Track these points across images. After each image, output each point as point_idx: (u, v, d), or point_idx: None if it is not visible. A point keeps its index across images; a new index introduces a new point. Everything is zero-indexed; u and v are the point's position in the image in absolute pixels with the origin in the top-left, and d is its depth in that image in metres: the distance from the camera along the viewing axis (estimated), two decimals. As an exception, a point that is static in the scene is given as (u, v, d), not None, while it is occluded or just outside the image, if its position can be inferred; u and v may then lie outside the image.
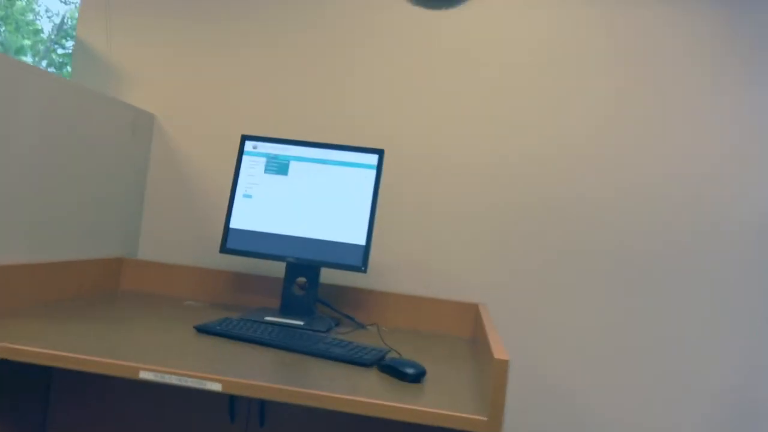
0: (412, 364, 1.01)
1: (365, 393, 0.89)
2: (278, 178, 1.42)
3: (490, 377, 0.85)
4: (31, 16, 9.52)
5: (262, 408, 1.42)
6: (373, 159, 1.40)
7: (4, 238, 1.17)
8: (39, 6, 9.63)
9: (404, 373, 0.99)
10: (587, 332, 1.51)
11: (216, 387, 0.88)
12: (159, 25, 1.67)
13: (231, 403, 1.42)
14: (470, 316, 1.49)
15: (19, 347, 0.92)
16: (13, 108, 1.15)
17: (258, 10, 1.63)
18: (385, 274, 1.57)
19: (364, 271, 1.35)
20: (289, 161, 1.43)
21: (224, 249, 1.40)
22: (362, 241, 1.36)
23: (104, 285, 1.51)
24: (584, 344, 1.51)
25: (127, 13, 1.67)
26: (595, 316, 1.51)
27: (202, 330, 1.16)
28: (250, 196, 1.42)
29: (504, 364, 0.84)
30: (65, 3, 9.54)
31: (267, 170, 1.43)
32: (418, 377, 0.99)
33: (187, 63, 1.65)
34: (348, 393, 0.88)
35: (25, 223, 1.22)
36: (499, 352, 0.88)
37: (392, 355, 1.16)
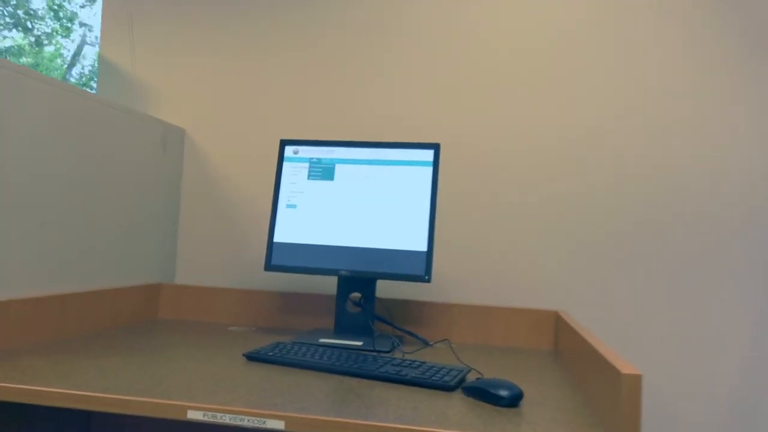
0: (505, 385, 0.84)
1: (458, 423, 0.72)
2: (324, 184, 1.28)
3: (619, 397, 0.68)
4: (59, 61, 9.80)
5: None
6: (428, 155, 1.25)
7: (32, 269, 1.05)
8: (68, 51, 9.91)
9: (498, 396, 0.82)
10: (682, 337, 1.31)
11: (278, 425, 0.73)
12: (181, 35, 1.57)
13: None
14: (549, 325, 1.31)
15: (54, 390, 0.78)
16: (38, 127, 1.04)
17: (284, 11, 1.52)
18: (447, 284, 1.40)
19: (428, 281, 1.19)
20: (334, 165, 1.29)
21: (269, 266, 1.26)
22: (423, 247, 1.20)
23: (142, 313, 1.38)
24: (681, 350, 1.31)
25: (149, 27, 1.58)
26: (691, 318, 1.31)
27: (252, 357, 1.01)
28: (294, 206, 1.29)
29: (636, 381, 0.67)
30: (92, 45, 9.80)
31: (311, 176, 1.29)
32: (514, 400, 0.82)
33: (214, 72, 1.55)
34: (439, 424, 0.71)
35: (53, 251, 1.10)
36: (624, 365, 0.71)
37: (474, 374, 0.99)
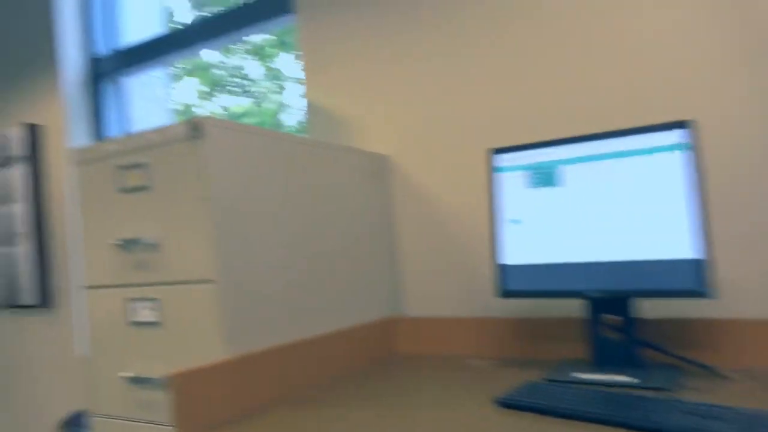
0: None
1: None
2: (548, 192, 1.11)
3: None
4: (283, 116, 11.28)
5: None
6: (676, 136, 0.99)
7: (270, 317, 1.09)
8: (284, 105, 11.34)
9: None
10: None
11: None
12: (370, 60, 1.55)
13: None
14: None
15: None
16: (265, 178, 1.10)
17: (468, 15, 1.39)
18: (730, 293, 1.10)
19: (709, 296, 0.93)
20: (557, 167, 1.11)
21: (504, 293, 1.13)
22: (693, 253, 0.95)
23: (378, 351, 1.37)
24: None
25: (342, 61, 1.60)
26: None
27: (507, 404, 0.89)
28: (518, 222, 1.14)
29: None
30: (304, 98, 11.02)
31: (532, 184, 1.14)
32: None
33: (409, 91, 1.49)
34: None
35: (290, 297, 1.14)
36: None
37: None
